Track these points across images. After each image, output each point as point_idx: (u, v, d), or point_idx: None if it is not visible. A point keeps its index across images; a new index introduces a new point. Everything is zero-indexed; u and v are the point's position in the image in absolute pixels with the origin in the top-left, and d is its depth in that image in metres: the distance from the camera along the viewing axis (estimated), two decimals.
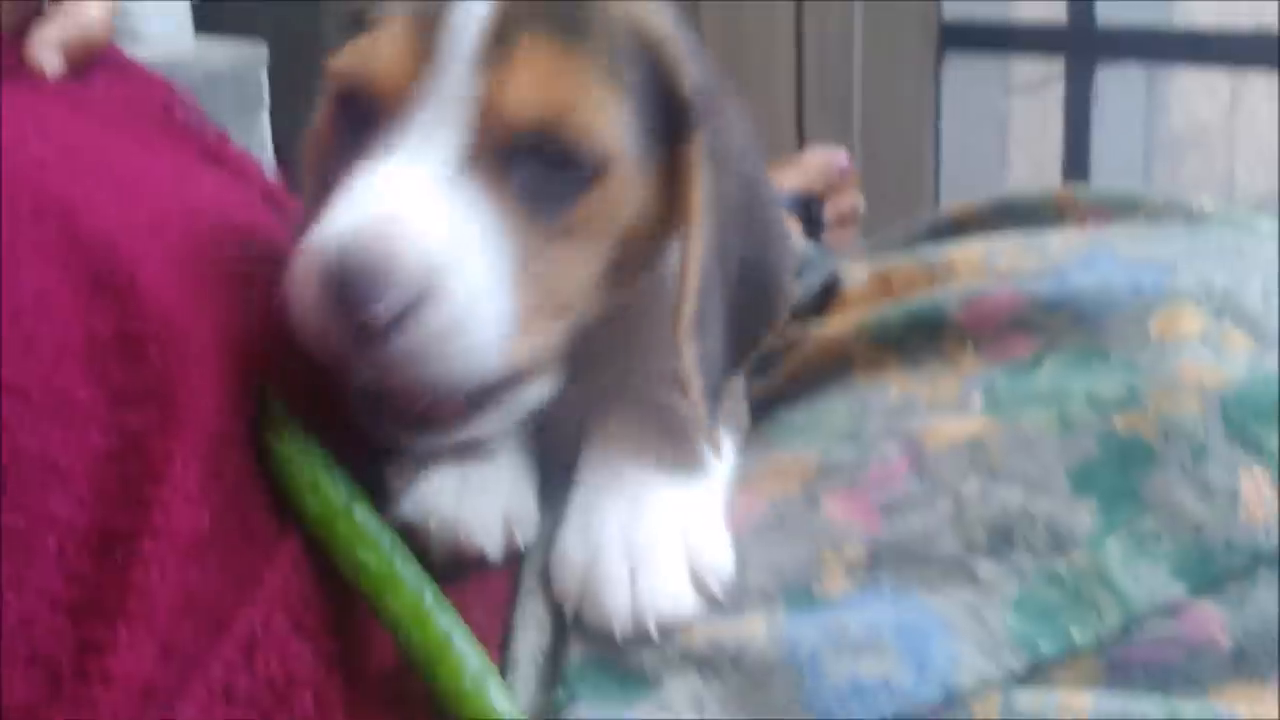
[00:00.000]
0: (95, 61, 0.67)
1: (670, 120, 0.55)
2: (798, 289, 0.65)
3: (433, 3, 0.52)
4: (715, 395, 0.56)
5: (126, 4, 1.56)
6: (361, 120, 0.53)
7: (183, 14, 1.65)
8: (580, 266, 0.54)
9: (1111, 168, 1.78)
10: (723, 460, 0.59)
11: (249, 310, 0.57)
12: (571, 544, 0.53)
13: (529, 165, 0.51)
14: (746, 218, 0.57)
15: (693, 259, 0.54)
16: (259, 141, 1.49)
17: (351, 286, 0.48)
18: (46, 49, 0.62)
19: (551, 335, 0.54)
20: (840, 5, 1.78)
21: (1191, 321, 0.53)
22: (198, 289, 0.54)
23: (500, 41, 0.51)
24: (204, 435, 0.49)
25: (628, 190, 0.54)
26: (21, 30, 0.63)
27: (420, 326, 0.49)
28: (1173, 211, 0.63)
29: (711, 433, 0.55)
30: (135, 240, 0.52)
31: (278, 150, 1.46)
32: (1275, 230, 0.60)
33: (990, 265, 0.63)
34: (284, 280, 0.51)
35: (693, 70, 0.55)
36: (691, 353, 0.54)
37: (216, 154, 0.70)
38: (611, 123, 0.52)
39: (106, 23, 0.66)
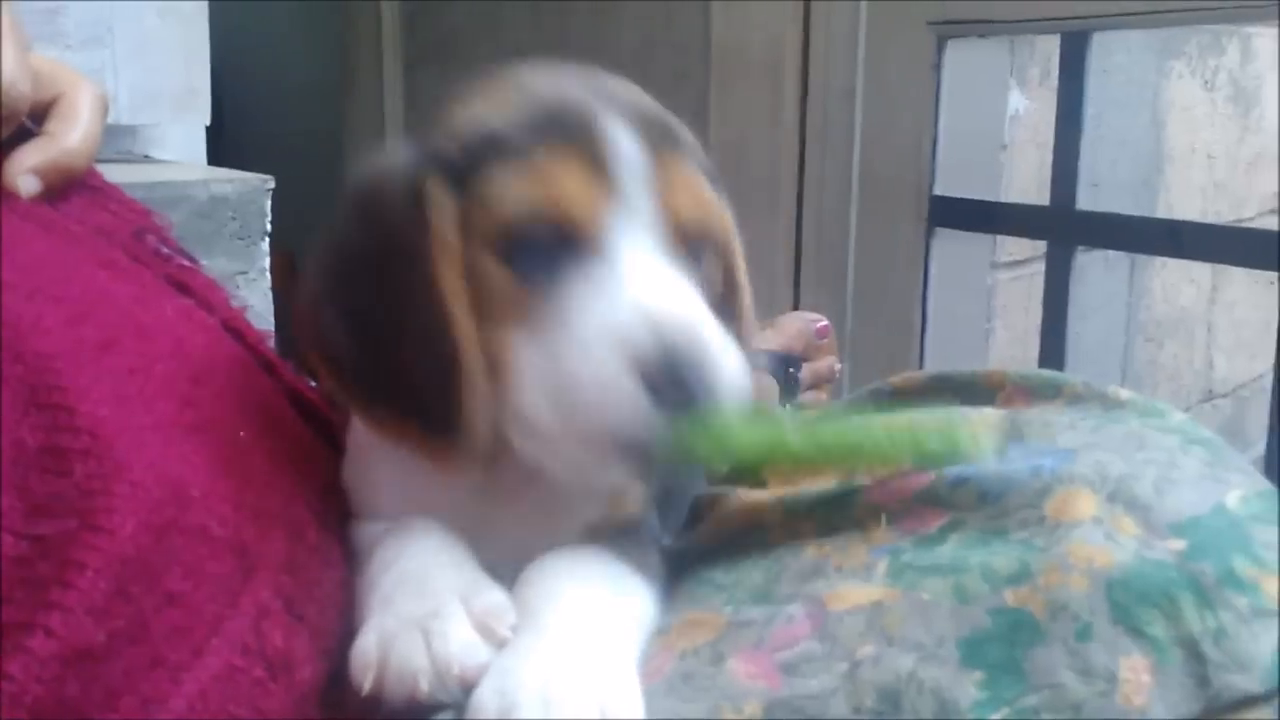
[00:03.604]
0: (73, 184, 0.68)
1: None
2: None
3: (570, 133, 0.60)
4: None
5: (147, 131, 1.64)
6: (547, 248, 0.58)
7: (197, 143, 1.72)
8: None
9: (1091, 349, 1.80)
10: (642, 610, 0.60)
11: (189, 433, 0.58)
12: (487, 697, 0.53)
13: (697, 257, 0.63)
14: None
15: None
16: (259, 267, 1.53)
17: (684, 374, 0.56)
18: (24, 172, 0.64)
19: None
20: (837, 180, 1.84)
21: (1085, 505, 0.54)
22: (135, 410, 0.55)
23: (653, 160, 0.61)
24: (117, 556, 0.49)
25: None
26: (3, 152, 0.64)
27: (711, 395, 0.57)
28: (1091, 397, 0.65)
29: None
30: (79, 360, 0.53)
31: (274, 276, 1.50)
32: (1184, 423, 0.61)
33: None
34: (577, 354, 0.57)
35: None
36: None
37: (183, 282, 0.72)
38: (728, 216, 0.66)
39: (88, 150, 0.68)
